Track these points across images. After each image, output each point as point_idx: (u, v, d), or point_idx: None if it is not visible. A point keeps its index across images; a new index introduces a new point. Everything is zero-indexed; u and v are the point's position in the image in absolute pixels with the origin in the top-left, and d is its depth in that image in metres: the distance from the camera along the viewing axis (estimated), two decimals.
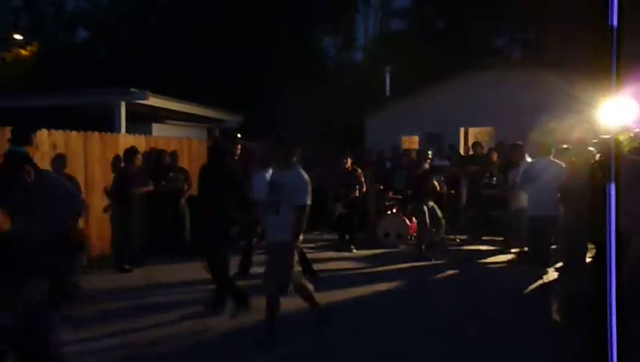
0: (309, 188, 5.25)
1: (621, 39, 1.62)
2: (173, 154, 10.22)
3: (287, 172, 5.31)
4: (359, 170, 10.93)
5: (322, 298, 5.88)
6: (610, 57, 1.67)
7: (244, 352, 5.17)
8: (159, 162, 9.93)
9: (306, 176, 5.27)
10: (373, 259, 9.66)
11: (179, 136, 12.28)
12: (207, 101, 14.91)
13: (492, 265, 9.26)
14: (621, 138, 6.66)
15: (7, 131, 6.63)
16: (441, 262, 9.19)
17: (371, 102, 18.39)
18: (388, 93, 19.35)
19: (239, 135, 13.45)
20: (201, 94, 17.50)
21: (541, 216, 7.06)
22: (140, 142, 10.40)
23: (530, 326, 5.77)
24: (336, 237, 11.07)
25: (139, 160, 8.89)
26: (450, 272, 8.64)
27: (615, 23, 1.62)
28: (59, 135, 8.70)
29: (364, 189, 10.91)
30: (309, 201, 5.22)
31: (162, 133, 12.06)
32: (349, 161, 10.84)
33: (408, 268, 8.96)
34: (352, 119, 18.12)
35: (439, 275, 8.47)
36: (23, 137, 6.07)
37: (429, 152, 10.88)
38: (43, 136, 8.20)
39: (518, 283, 7.48)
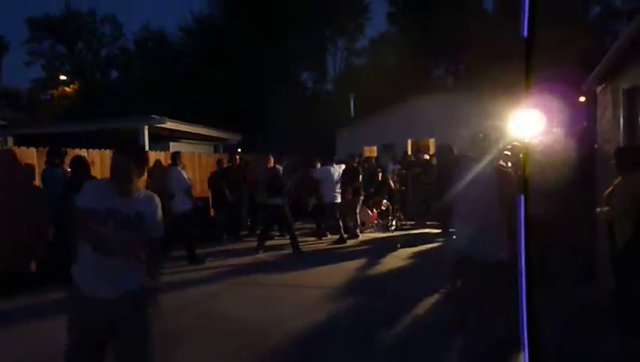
0: None
1: (531, 52, 1.46)
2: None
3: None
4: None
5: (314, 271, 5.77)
6: (521, 72, 1.49)
7: None
8: None
9: None
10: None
11: (190, 152, 12.18)
12: (213, 123, 14.82)
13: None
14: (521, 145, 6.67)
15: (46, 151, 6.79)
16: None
17: (340, 121, 18.41)
18: (352, 113, 19.41)
19: (239, 149, 13.45)
20: (208, 118, 17.42)
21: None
22: (160, 157, 10.28)
23: None
24: (314, 226, 11.02)
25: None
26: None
27: (526, 34, 1.44)
28: (95, 153, 8.55)
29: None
30: None
31: (178, 150, 11.87)
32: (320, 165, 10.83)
33: (370, 246, 8.97)
34: (326, 134, 18.12)
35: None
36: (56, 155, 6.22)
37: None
38: (83, 154, 8.05)
39: None
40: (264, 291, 6.11)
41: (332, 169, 9.76)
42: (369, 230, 10.80)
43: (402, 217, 11.35)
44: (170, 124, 11.45)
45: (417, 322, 4.87)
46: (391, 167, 12.66)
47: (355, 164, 10.67)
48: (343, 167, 10.01)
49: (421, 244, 8.89)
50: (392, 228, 10.75)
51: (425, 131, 15.30)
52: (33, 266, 6.79)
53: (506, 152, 7.06)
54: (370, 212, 10.77)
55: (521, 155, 5.28)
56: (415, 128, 15.23)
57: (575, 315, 4.68)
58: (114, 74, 37.99)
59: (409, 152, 14.74)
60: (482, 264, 3.65)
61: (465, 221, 3.92)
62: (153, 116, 11.00)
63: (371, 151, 15.71)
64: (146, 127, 11.02)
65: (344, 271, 7.06)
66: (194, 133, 13.28)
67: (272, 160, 10.07)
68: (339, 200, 9.76)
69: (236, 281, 6.60)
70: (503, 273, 3.47)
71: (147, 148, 10.88)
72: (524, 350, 1.47)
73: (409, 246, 8.65)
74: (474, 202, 3.79)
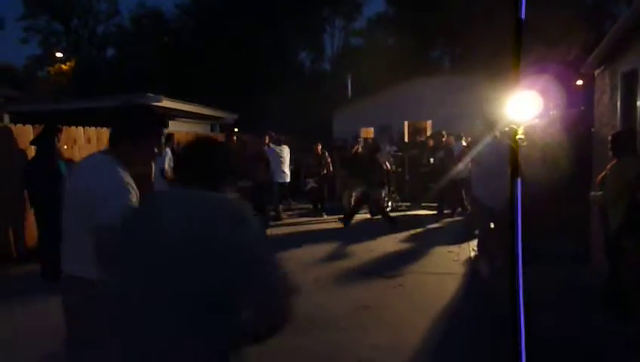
0: None
1: (521, 33, 1.41)
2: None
3: None
4: (327, 153, 10.90)
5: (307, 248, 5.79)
6: (517, 52, 1.45)
7: None
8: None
9: None
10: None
11: (186, 130, 12.10)
12: (210, 102, 14.68)
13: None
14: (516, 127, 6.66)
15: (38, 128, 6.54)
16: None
17: (337, 102, 18.27)
18: (350, 95, 19.27)
19: (236, 129, 13.37)
20: (205, 97, 17.25)
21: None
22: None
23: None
24: (311, 206, 11.03)
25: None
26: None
27: (523, 15, 1.39)
28: (92, 131, 8.46)
29: (331, 169, 10.87)
30: None
31: (174, 128, 11.79)
32: (320, 146, 10.80)
33: (364, 227, 8.97)
34: (322, 115, 18.01)
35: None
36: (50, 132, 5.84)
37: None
38: (80, 132, 7.96)
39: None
40: None
41: (278, 149, 9.82)
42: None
43: (398, 198, 11.38)
44: (166, 103, 11.35)
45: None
46: (387, 148, 12.62)
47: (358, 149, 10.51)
48: (286, 148, 9.96)
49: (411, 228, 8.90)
50: (388, 209, 10.71)
51: (422, 113, 15.23)
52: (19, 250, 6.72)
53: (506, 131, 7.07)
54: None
55: (518, 138, 5.28)
56: (412, 110, 15.14)
57: (566, 295, 4.72)
58: (110, 51, 37.52)
59: (405, 134, 14.71)
60: (500, 213, 5.11)
61: (487, 183, 5.38)
62: (149, 94, 10.91)
63: (368, 132, 15.64)
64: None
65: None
66: (190, 112, 13.19)
67: (320, 146, 10.18)
68: (288, 180, 9.94)
69: None
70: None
71: None
72: (519, 329, 1.46)
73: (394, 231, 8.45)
74: (493, 168, 5.21)
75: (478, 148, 5.68)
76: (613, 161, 4.14)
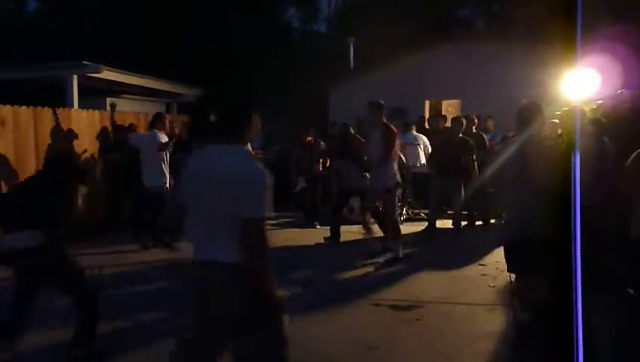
0: None
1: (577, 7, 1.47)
2: (130, 128, 10.04)
3: None
4: (322, 143, 10.87)
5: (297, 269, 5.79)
6: (574, 27, 1.52)
7: None
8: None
9: None
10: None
11: (135, 111, 12.06)
12: (166, 74, 14.63)
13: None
14: (585, 109, 6.72)
15: None
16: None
17: (335, 75, 18.25)
18: (352, 65, 19.26)
19: None
20: (160, 67, 17.20)
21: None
22: (93, 117, 10.19)
23: None
24: (302, 214, 11.04)
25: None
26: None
27: None
28: (7, 110, 8.43)
29: (328, 164, 10.81)
30: None
31: (118, 108, 11.78)
32: (310, 134, 10.79)
33: (369, 242, 8.95)
34: (315, 92, 18.00)
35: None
36: None
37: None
38: None
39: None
40: None
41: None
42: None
43: (415, 204, 11.33)
44: (107, 74, 11.36)
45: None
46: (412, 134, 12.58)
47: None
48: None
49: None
50: (403, 218, 10.55)
51: (447, 90, 15.25)
52: None
53: (553, 120, 7.11)
54: None
55: (573, 123, 5.29)
56: (434, 86, 15.18)
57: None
58: (32, 4, 37.34)
59: (426, 118, 14.71)
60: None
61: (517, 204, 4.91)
62: (85, 63, 10.90)
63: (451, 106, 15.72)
64: (75, 77, 10.94)
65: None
66: (139, 87, 13.17)
67: (311, 134, 10.16)
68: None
69: None
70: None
71: (75, 104, 10.78)
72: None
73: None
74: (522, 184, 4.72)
75: (503, 155, 5.18)
76: None
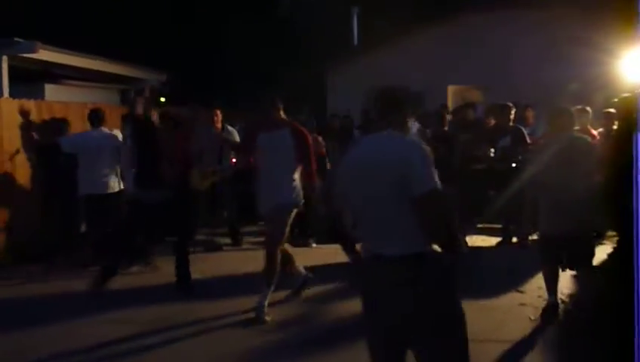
0: None
1: None
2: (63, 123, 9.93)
3: None
4: (320, 138, 10.85)
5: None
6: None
7: None
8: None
9: None
10: (335, 255, 9.44)
11: (81, 101, 12.01)
12: (119, 55, 14.63)
13: None
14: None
15: None
16: None
17: (335, 53, 18.31)
18: (355, 41, 19.30)
19: (162, 98, 13.33)
20: (111, 46, 17.18)
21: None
22: (28, 107, 10.11)
23: None
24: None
25: None
26: None
27: None
28: None
29: (327, 165, 10.78)
30: None
31: (59, 97, 11.74)
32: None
33: None
34: (310, 75, 18.05)
35: None
36: None
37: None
38: None
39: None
40: None
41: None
42: None
43: None
44: (44, 54, 11.34)
45: None
46: (414, 128, 12.52)
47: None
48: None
49: None
50: None
51: (475, 74, 15.29)
52: None
53: (609, 110, 7.11)
54: None
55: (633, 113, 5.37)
56: (458, 68, 15.22)
57: None
58: None
59: (449, 107, 14.73)
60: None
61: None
62: (17, 40, 10.89)
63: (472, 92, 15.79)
64: (5, 57, 10.92)
65: None
66: (86, 70, 13.16)
67: (220, 117, 10.06)
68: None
69: None
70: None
71: (6, 92, 10.76)
72: None
73: None
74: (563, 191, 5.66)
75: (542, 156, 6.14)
76: None
